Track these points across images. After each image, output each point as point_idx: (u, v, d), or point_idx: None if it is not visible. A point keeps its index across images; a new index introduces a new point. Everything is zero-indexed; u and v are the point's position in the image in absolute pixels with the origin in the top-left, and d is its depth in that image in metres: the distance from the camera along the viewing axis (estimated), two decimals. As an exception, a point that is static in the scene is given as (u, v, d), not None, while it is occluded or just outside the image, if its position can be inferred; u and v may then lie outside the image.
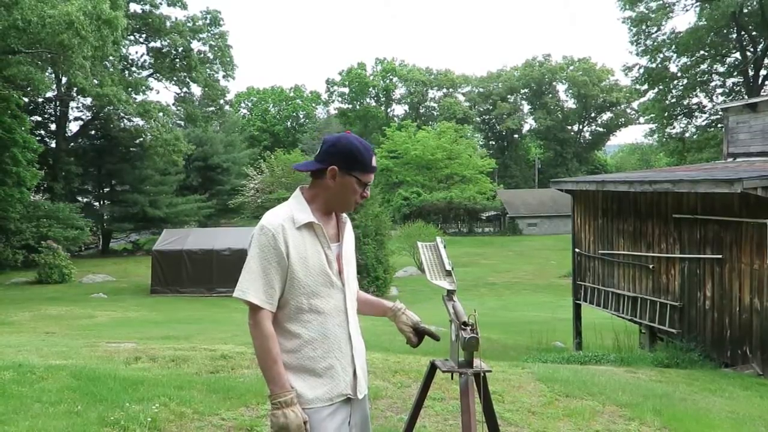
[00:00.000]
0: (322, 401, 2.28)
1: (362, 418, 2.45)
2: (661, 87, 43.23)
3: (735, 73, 41.45)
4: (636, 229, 11.41)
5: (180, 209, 42.38)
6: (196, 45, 42.28)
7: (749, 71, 39.90)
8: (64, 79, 36.91)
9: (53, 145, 40.54)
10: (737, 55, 40.95)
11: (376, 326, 14.22)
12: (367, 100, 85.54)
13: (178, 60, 41.27)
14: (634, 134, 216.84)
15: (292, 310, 2.28)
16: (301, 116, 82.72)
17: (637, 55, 42.98)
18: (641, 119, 59.19)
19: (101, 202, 43.74)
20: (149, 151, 39.38)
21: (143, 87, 40.10)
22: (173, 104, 43.81)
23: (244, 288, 2.23)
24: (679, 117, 44.43)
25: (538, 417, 5.06)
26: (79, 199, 42.02)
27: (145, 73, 42.72)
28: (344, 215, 2.48)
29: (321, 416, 2.27)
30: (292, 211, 2.31)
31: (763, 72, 40.26)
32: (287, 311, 2.28)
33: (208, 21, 42.47)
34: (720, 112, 27.69)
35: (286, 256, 2.24)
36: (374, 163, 2.37)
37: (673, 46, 41.10)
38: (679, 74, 42.54)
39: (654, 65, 42.67)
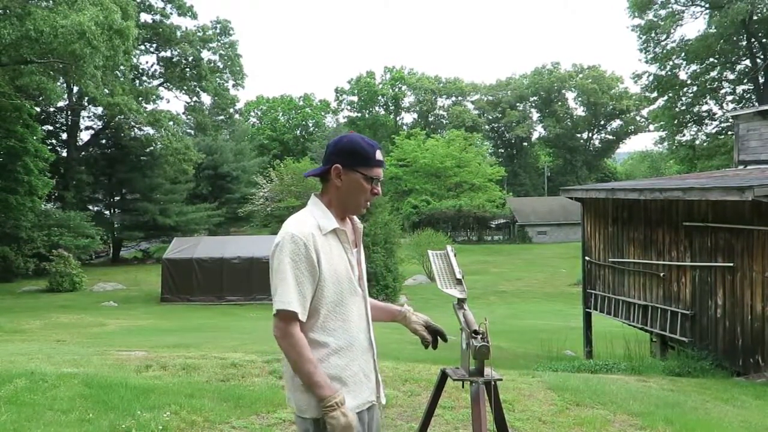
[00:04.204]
0: (358, 407, 2.28)
1: (377, 425, 2.44)
2: (670, 94, 43.14)
3: (745, 81, 41.36)
4: (646, 237, 11.37)
5: (190, 217, 42.57)
6: (206, 54, 42.68)
7: (759, 78, 39.78)
8: (75, 89, 37.27)
9: (65, 154, 40.89)
10: (747, 62, 40.89)
11: (386, 334, 14.21)
12: (376, 108, 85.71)
13: (188, 69, 41.58)
14: (644, 142, 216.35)
15: (320, 319, 2.25)
16: (311, 125, 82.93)
17: (647, 62, 42.99)
18: (651, 127, 59.15)
19: (112, 211, 44.02)
20: (159, 159, 39.69)
21: (154, 96, 40.41)
22: (183, 113, 44.19)
23: (285, 300, 2.17)
24: (689, 124, 44.30)
25: (549, 426, 5.04)
26: (90, 207, 42.31)
27: (155, 82, 43.08)
28: (358, 221, 2.47)
29: (361, 421, 2.28)
30: (317, 218, 2.29)
31: (773, 79, 40.11)
32: (314, 320, 2.25)
33: (218, 30, 42.80)
34: (730, 120, 27.58)
35: (318, 265, 2.21)
36: (379, 156, 2.33)
37: (683, 54, 41.06)
38: (688, 82, 42.46)
39: (663, 73, 42.62)
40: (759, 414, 6.40)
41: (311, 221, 2.27)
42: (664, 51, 41.86)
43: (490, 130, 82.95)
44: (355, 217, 2.47)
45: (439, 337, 2.60)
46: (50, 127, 40.18)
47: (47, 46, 21.50)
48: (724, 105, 42.87)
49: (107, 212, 44.14)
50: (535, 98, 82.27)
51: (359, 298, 2.35)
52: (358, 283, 2.35)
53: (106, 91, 29.73)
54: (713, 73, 42.23)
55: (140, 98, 37.10)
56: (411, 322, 2.60)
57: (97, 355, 7.76)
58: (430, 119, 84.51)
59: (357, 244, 2.42)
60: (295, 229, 2.23)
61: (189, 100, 44.29)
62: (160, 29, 39.52)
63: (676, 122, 43.61)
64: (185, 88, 42.88)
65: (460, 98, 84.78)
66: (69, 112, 40.83)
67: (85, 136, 44.27)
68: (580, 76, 79.77)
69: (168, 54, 41.94)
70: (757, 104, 35.22)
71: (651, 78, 43.46)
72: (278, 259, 2.21)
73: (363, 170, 2.29)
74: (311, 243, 2.20)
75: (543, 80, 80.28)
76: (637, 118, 77.01)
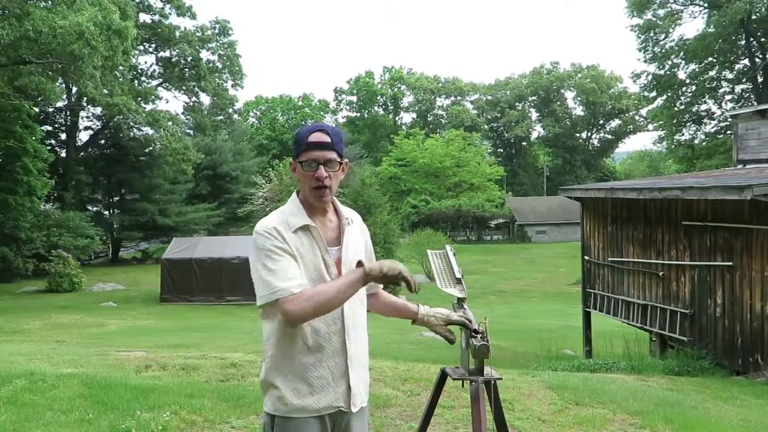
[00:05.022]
0: (308, 412, 2.18)
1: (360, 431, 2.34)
2: (669, 94, 43.16)
3: (744, 80, 41.39)
4: (645, 236, 11.37)
5: (189, 218, 42.54)
6: (205, 54, 42.56)
7: (758, 77, 39.82)
8: (74, 89, 37.21)
9: (64, 154, 40.86)
10: (746, 61, 40.92)
11: (386, 334, 14.22)
12: (375, 108, 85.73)
13: (187, 69, 41.50)
14: (642, 141, 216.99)
15: None
16: (310, 125, 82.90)
17: (646, 62, 43.01)
18: (650, 126, 59.20)
19: (111, 211, 43.99)
20: (159, 159, 39.67)
21: (153, 96, 40.35)
22: (182, 113, 44.08)
23: (266, 291, 2.12)
24: (688, 124, 44.33)
25: (549, 425, 5.05)
26: (89, 207, 42.29)
27: (154, 82, 43.01)
28: (347, 216, 2.37)
29: (304, 428, 2.18)
30: (287, 215, 2.24)
31: (772, 78, 40.14)
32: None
33: (217, 30, 42.70)
34: (729, 119, 27.58)
35: (291, 248, 2.16)
36: (315, 138, 2.23)
37: (682, 53, 41.09)
38: (687, 81, 42.49)
39: (662, 72, 42.64)
40: (758, 413, 6.41)
41: (278, 217, 2.23)
42: (663, 50, 41.88)
43: (489, 130, 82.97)
44: (344, 213, 2.37)
45: (468, 328, 2.44)
46: (49, 128, 40.14)
47: (46, 47, 21.51)
48: (723, 104, 42.91)
49: (106, 212, 44.10)
50: (534, 98, 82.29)
51: None
52: None
53: (105, 91, 29.71)
54: (712, 73, 42.25)
55: (139, 98, 37.06)
56: (433, 326, 2.50)
57: (96, 355, 7.76)
58: (429, 119, 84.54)
59: (341, 242, 2.31)
60: (259, 226, 2.21)
61: (188, 101, 44.22)
62: (159, 29, 39.45)
63: (675, 122, 43.63)
64: (184, 88, 42.80)
65: (459, 98, 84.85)
66: (68, 112, 40.80)
67: (84, 136, 44.29)
68: (579, 75, 79.82)
69: (167, 54, 41.87)
70: (755, 103, 35.23)
71: (650, 77, 43.49)
72: (252, 258, 2.20)
73: (299, 158, 2.24)
74: (275, 232, 2.16)
75: (542, 80, 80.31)
76: (636, 117, 77.05)
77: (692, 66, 41.89)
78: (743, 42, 40.11)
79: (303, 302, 2.08)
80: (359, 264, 2.16)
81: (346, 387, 2.25)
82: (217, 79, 43.07)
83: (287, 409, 2.19)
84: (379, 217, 26.37)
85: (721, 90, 43.10)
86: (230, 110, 47.00)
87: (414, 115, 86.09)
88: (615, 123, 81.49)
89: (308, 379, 2.20)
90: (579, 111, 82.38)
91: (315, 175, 2.21)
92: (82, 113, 42.02)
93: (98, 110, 39.82)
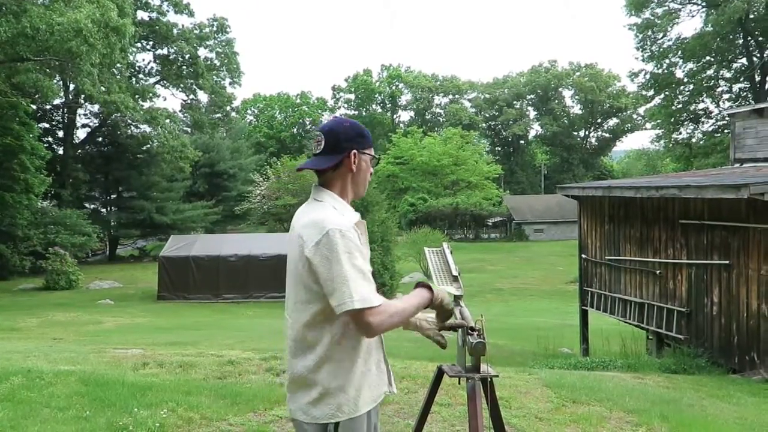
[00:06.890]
0: (374, 401, 2.24)
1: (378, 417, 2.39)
2: (667, 93, 43.23)
3: (741, 79, 41.47)
4: (643, 234, 11.39)
5: (187, 215, 42.53)
6: (202, 52, 42.53)
7: (756, 77, 39.89)
8: (71, 86, 37.16)
9: (61, 151, 40.81)
10: (744, 60, 41.00)
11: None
12: (373, 106, 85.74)
13: (185, 67, 41.46)
14: (640, 140, 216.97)
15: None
16: (308, 123, 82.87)
17: (644, 60, 43.06)
18: (648, 125, 59.26)
19: (108, 209, 43.98)
20: (156, 157, 39.66)
21: (150, 94, 40.21)
22: (180, 111, 44.04)
23: (366, 297, 2.05)
24: (685, 122, 44.40)
25: (545, 423, 5.06)
26: (87, 205, 42.29)
27: (152, 80, 42.94)
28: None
29: (365, 422, 2.20)
30: (341, 210, 2.20)
31: (770, 77, 40.21)
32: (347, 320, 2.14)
33: (214, 28, 42.67)
34: (727, 118, 27.63)
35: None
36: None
37: (680, 52, 41.16)
38: (685, 80, 42.55)
39: (660, 71, 42.70)
40: (754, 411, 6.42)
41: (342, 216, 2.16)
42: (661, 49, 41.95)
43: (486, 128, 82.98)
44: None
45: (466, 329, 2.45)
46: (46, 125, 40.14)
47: (43, 44, 21.45)
48: (721, 103, 43.02)
49: (104, 210, 44.10)
50: (532, 96, 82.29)
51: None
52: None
53: (103, 88, 29.61)
54: (710, 72, 42.31)
55: (137, 96, 36.90)
56: (424, 330, 2.50)
57: (93, 353, 7.76)
58: (427, 117, 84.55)
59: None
60: (341, 226, 2.09)
61: (186, 98, 44.16)
62: (157, 27, 39.41)
63: (672, 120, 43.70)
64: (182, 85, 42.75)
65: (457, 96, 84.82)
66: (65, 109, 40.77)
67: (81, 133, 44.24)
68: (577, 74, 79.83)
69: (165, 52, 41.82)
70: (753, 102, 35.28)
71: (648, 76, 43.55)
72: (332, 256, 2.07)
73: (370, 150, 2.31)
74: (356, 234, 2.13)
75: (540, 78, 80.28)
76: (634, 116, 77.09)
77: (690, 65, 41.96)
78: (741, 41, 40.17)
79: (386, 318, 2.09)
80: (421, 285, 2.29)
81: (387, 371, 2.35)
82: (214, 77, 43.05)
83: (356, 408, 2.17)
84: (377, 215, 26.34)
85: (719, 89, 43.20)
86: (228, 108, 46.98)
87: (412, 114, 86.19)
88: (613, 121, 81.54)
89: (369, 376, 2.23)
90: (577, 109, 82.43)
91: (371, 171, 2.36)
92: (80, 111, 42.00)
93: (96, 108, 39.79)
